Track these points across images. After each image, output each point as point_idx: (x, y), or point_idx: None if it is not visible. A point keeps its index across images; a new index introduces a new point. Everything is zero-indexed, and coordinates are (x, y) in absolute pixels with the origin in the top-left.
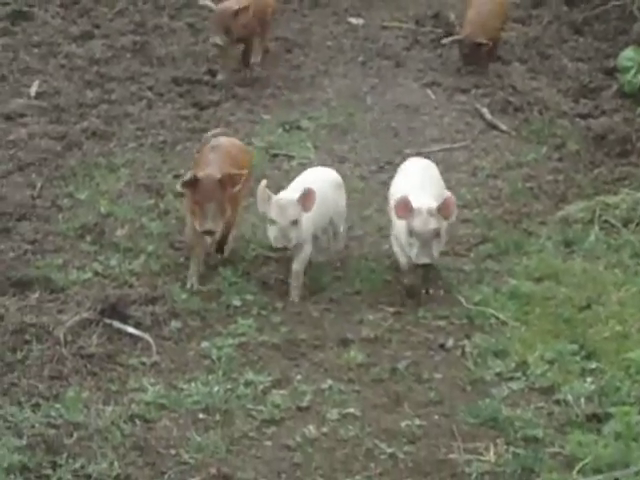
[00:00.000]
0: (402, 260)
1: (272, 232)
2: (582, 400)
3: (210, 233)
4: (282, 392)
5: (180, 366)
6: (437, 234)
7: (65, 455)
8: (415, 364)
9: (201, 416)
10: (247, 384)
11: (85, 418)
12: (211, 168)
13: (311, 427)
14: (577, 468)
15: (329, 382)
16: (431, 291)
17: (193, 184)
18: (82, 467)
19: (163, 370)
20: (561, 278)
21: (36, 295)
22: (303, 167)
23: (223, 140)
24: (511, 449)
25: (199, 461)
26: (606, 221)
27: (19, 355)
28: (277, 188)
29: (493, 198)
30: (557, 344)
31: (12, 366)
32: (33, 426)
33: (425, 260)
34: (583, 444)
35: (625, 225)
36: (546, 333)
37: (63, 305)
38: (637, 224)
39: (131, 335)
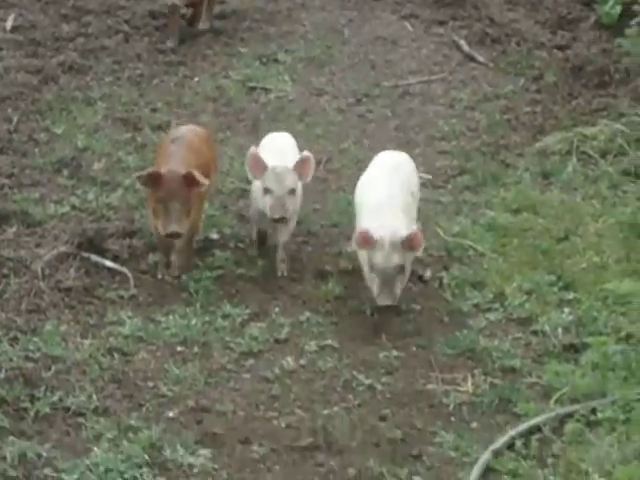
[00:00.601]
0: (373, 288)
1: (268, 202)
2: (559, 330)
3: (174, 235)
4: (260, 325)
5: (158, 299)
6: (401, 270)
7: (43, 388)
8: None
9: (179, 349)
10: (225, 317)
11: (63, 351)
12: (174, 163)
13: (289, 359)
14: (554, 398)
15: (307, 314)
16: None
17: (155, 180)
18: (60, 400)
19: (141, 303)
20: (539, 209)
21: (13, 229)
22: (280, 100)
23: (185, 130)
24: (489, 379)
25: (177, 393)
26: (584, 152)
27: None
28: (254, 121)
29: (471, 130)
30: (535, 275)
31: None
32: (11, 359)
33: (386, 302)
34: (560, 374)
35: (603, 156)
36: (524, 264)
37: (40, 239)
38: (615, 155)
39: (109, 269)
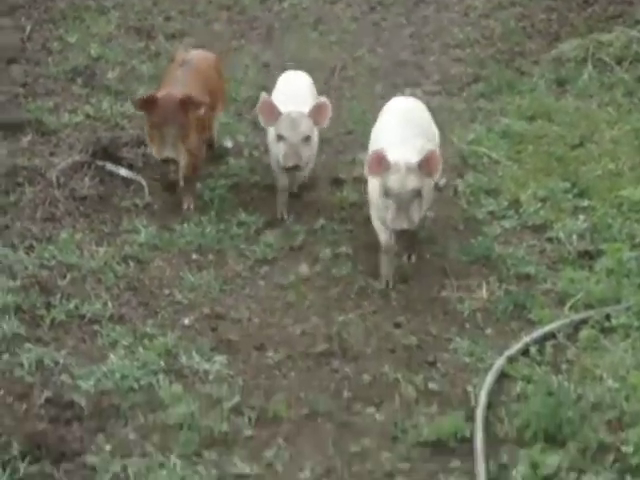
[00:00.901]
0: (382, 236)
1: (282, 149)
2: (574, 237)
3: (169, 161)
4: (275, 232)
5: (173, 208)
6: (418, 194)
7: (59, 296)
8: None
9: (194, 257)
10: (240, 224)
11: (78, 259)
12: (176, 87)
13: (304, 266)
14: (569, 304)
15: (321, 222)
16: (413, 258)
17: (151, 105)
18: (76, 307)
19: (156, 211)
20: (554, 117)
21: (28, 138)
22: (294, 8)
23: (195, 55)
24: (503, 286)
25: (192, 301)
26: (599, 59)
27: (12, 198)
28: (268, 29)
29: (485, 38)
30: (549, 182)
31: (5, 209)
32: (26, 268)
33: (402, 225)
34: (575, 281)
35: (618, 63)
36: (538, 171)
37: (55, 148)
38: (630, 62)
39: (123, 177)
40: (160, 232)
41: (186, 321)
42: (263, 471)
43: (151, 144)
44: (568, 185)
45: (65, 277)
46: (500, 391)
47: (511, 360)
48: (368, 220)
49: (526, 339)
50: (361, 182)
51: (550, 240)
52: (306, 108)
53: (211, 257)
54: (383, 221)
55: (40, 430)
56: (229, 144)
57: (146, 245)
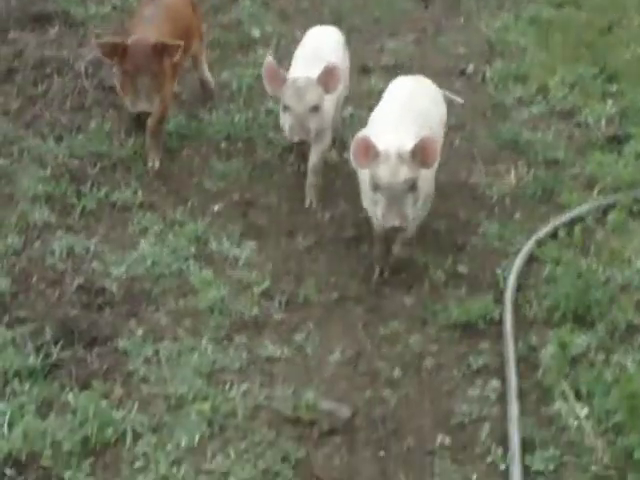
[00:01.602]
0: (374, 221)
1: (287, 120)
2: (602, 122)
3: (144, 113)
4: None
5: (200, 96)
6: (412, 187)
7: (89, 184)
8: None
9: (223, 145)
10: (268, 113)
11: (108, 148)
12: (146, 29)
13: (333, 153)
14: (597, 188)
15: (350, 109)
16: (386, 274)
17: (120, 52)
18: (106, 196)
19: (184, 101)
20: (582, 3)
21: (55, 29)
22: None
23: None
24: (532, 171)
25: (221, 188)
26: None
27: (40, 89)
28: None
29: None
30: (578, 68)
31: (34, 99)
32: (57, 157)
33: (393, 222)
34: (603, 165)
35: None
36: (567, 57)
37: (82, 39)
38: None
39: None
40: (188, 121)
41: (216, 208)
42: (293, 354)
43: (123, 95)
44: (596, 70)
45: (95, 166)
46: (529, 274)
47: (540, 243)
48: None
49: (555, 222)
50: (389, 70)
51: (578, 125)
52: (314, 72)
53: (240, 145)
54: (374, 216)
55: (72, 316)
56: (257, 34)
57: (175, 134)
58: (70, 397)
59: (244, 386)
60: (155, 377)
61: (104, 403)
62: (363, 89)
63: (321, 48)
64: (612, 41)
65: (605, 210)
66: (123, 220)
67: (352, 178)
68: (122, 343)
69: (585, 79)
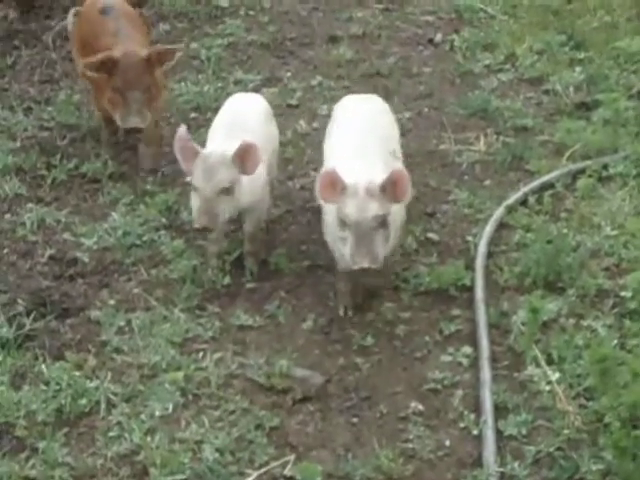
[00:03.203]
0: (338, 256)
1: (194, 203)
2: (571, 89)
3: (136, 130)
4: (272, 90)
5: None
6: (382, 224)
7: (59, 156)
8: (404, 59)
9: (192, 115)
10: (237, 83)
11: (77, 120)
12: (125, 41)
13: (302, 123)
14: (566, 155)
15: (318, 79)
16: (349, 312)
17: (110, 66)
18: (76, 167)
19: None
20: None
21: None
22: None
23: None
24: (501, 138)
25: None
26: None
27: (9, 61)
28: None
29: None
30: (546, 35)
31: (2, 72)
32: (26, 129)
33: (362, 263)
34: (572, 131)
35: None
36: (534, 25)
37: (49, 11)
38: None
39: None
40: None
41: (187, 179)
42: (266, 322)
43: (113, 111)
44: (564, 38)
45: (64, 138)
46: (499, 240)
47: (510, 210)
48: (365, 76)
49: (525, 189)
50: (358, 39)
51: (547, 92)
52: (230, 149)
53: (209, 115)
54: (340, 256)
55: (44, 287)
56: (225, 3)
57: None
58: (43, 368)
59: (217, 355)
60: (128, 347)
61: (78, 373)
62: (331, 59)
63: (243, 118)
64: (579, 8)
65: (574, 176)
66: (94, 191)
67: (322, 147)
68: (94, 313)
69: (553, 47)
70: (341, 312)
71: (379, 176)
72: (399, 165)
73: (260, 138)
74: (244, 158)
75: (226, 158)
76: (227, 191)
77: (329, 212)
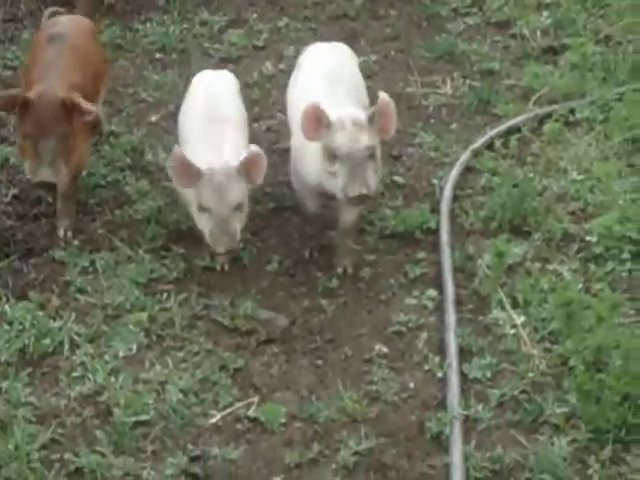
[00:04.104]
0: (309, 204)
1: (206, 225)
2: (538, 33)
3: (46, 185)
4: (238, 31)
5: (135, 7)
6: (372, 155)
7: None
8: (371, 1)
9: (158, 55)
10: (203, 24)
11: None
12: (52, 77)
13: (268, 64)
14: (533, 99)
15: (285, 20)
16: (349, 269)
17: (21, 106)
18: None
19: (119, 12)
20: None
21: None
22: None
23: (66, 24)
24: (467, 82)
25: (157, 99)
26: None
27: None
28: None
29: None
30: None
31: None
32: None
33: (360, 190)
34: (539, 76)
35: None
36: None
37: None
38: None
39: None
40: (123, 32)
41: (153, 118)
42: (230, 264)
43: (23, 159)
44: None
45: None
46: (465, 184)
47: (476, 154)
48: (332, 18)
49: (491, 133)
50: None
51: (514, 36)
52: (234, 160)
53: (175, 56)
54: (330, 191)
55: (8, 226)
56: None
57: (109, 45)
58: (7, 308)
59: (182, 296)
60: (92, 287)
61: (41, 313)
62: (298, 0)
63: (220, 106)
64: None
65: (541, 120)
66: None
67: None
68: (58, 253)
69: None
70: (306, 254)
71: (361, 113)
72: (383, 94)
73: (239, 121)
74: (250, 168)
75: (233, 173)
76: (240, 207)
77: (310, 151)
